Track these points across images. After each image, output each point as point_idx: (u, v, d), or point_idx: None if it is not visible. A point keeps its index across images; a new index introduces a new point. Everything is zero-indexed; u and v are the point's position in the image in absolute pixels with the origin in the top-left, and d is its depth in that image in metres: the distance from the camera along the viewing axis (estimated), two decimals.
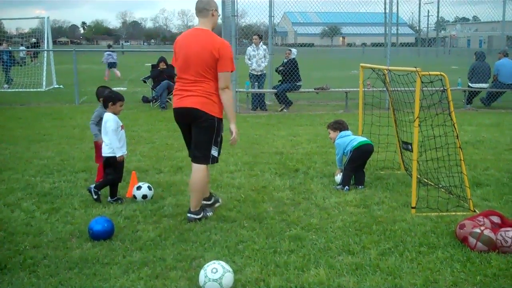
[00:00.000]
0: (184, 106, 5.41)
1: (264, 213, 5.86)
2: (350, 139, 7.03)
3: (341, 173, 6.98)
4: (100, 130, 6.50)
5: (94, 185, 6.25)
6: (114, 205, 6.11)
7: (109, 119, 6.15)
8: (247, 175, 7.51)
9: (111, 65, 25.66)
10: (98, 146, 6.71)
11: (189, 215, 5.59)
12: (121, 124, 6.29)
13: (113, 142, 6.12)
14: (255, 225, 5.48)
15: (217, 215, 5.74)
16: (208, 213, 5.72)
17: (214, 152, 5.53)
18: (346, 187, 6.76)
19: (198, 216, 5.57)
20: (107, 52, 26.17)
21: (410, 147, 6.29)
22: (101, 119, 6.68)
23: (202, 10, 5.52)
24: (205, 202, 5.83)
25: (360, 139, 7.04)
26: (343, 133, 7.13)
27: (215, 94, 5.41)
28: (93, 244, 4.94)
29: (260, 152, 9.04)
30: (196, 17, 5.56)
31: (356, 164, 6.89)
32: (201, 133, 5.45)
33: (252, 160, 8.40)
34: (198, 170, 5.51)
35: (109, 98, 6.30)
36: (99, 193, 6.20)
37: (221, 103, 5.46)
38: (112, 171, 6.23)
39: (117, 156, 6.15)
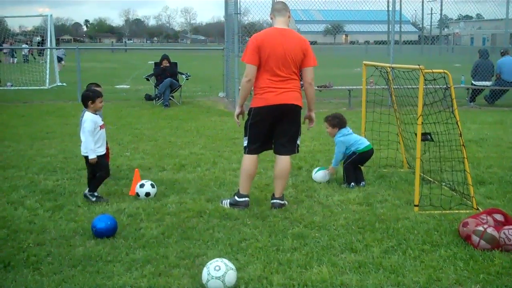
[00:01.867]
0: (285, 102, 5.74)
1: (267, 211, 5.87)
2: (355, 139, 7.00)
3: (330, 173, 7.03)
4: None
5: (87, 189, 6.24)
6: (117, 202, 6.11)
7: (87, 120, 6.12)
8: None
9: (60, 59, 27.38)
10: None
11: (274, 201, 5.98)
12: (101, 123, 6.27)
13: (88, 143, 6.10)
14: (258, 223, 5.48)
15: (220, 212, 5.74)
16: (286, 201, 6.10)
17: (299, 141, 6.07)
18: (352, 183, 6.78)
19: (283, 202, 6.00)
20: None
21: (429, 137, 6.29)
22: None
23: (281, 10, 5.88)
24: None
25: (365, 142, 7.02)
26: (345, 130, 7.07)
27: (300, 89, 5.93)
28: (96, 241, 4.95)
29: None
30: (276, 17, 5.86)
31: (356, 165, 6.91)
32: (294, 126, 5.92)
33: None
34: (286, 160, 5.97)
35: (88, 97, 6.22)
36: (96, 194, 6.18)
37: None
38: (97, 169, 6.21)
39: (89, 157, 6.11)
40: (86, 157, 6.18)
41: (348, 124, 7.26)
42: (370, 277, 4.25)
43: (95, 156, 6.14)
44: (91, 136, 6.10)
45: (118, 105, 14.44)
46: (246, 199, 5.97)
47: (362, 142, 7.00)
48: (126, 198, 6.31)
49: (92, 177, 6.24)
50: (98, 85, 7.04)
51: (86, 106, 6.22)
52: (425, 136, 6.53)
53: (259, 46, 5.67)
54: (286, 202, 6.08)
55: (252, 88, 5.89)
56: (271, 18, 5.94)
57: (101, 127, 6.24)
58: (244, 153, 6.04)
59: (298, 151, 6.15)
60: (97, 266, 4.43)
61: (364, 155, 6.95)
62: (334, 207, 6.01)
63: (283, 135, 5.92)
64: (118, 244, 4.90)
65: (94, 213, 5.67)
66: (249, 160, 5.97)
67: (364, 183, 6.89)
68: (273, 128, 5.92)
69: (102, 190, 6.47)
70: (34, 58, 28.50)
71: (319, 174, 7.07)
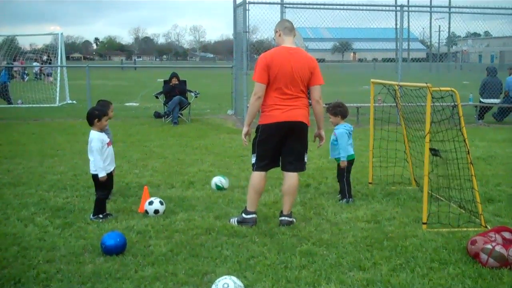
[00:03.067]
0: (292, 119, 5.79)
1: (275, 228, 5.88)
2: (349, 142, 7.06)
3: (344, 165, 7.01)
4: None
5: (91, 214, 6.26)
6: (126, 220, 6.15)
7: (94, 139, 6.16)
8: None
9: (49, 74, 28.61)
10: None
11: (282, 218, 6.02)
12: (108, 141, 6.31)
13: (96, 162, 6.14)
14: (266, 240, 5.50)
15: (228, 230, 5.76)
16: (294, 218, 6.12)
17: (306, 159, 6.12)
18: (351, 198, 6.89)
19: (291, 219, 6.03)
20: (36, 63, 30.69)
21: (438, 153, 6.29)
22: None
23: (291, 29, 6.00)
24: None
25: (351, 150, 7.10)
26: (348, 126, 7.10)
27: (308, 106, 6.01)
28: (105, 258, 4.97)
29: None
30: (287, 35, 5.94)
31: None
32: (301, 143, 5.98)
33: None
34: (294, 177, 6.02)
35: (93, 116, 6.23)
36: (101, 216, 6.19)
37: None
38: (100, 188, 6.25)
39: (99, 176, 6.14)
40: (95, 176, 6.23)
41: (356, 141, 7.30)
42: None
43: (105, 174, 6.19)
44: (100, 154, 6.15)
45: (128, 123, 14.53)
46: (254, 215, 5.98)
47: (351, 147, 7.08)
48: (135, 215, 6.35)
49: (102, 198, 6.29)
50: (109, 102, 7.08)
51: (91, 124, 6.25)
52: (435, 152, 6.51)
53: (268, 64, 5.73)
54: (295, 220, 6.09)
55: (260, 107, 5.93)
56: (278, 35, 5.98)
57: (108, 144, 6.29)
58: (253, 170, 6.06)
59: (305, 169, 6.19)
60: (107, 283, 4.45)
61: (351, 163, 7.07)
62: (342, 225, 6.02)
63: (290, 153, 5.96)
64: (127, 261, 4.93)
65: (103, 230, 5.70)
66: (257, 177, 5.99)
67: (352, 200, 7.01)
68: (280, 145, 5.95)
69: (111, 207, 6.52)
70: (40, 78, 28.75)
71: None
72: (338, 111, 7.12)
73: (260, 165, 5.99)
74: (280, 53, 5.83)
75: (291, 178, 6.01)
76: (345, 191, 6.93)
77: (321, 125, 6.21)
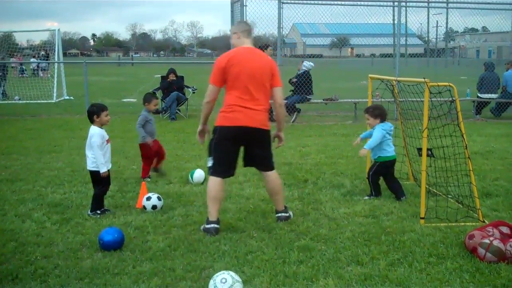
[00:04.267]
0: (252, 125, 5.57)
1: (273, 223, 5.88)
2: (388, 143, 6.87)
3: (363, 154, 6.89)
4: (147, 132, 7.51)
5: (89, 210, 6.25)
6: (124, 215, 6.15)
7: (95, 134, 6.13)
8: (256, 185, 7.53)
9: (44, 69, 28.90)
10: (143, 147, 7.72)
11: (278, 215, 5.94)
12: (107, 138, 6.30)
13: (97, 158, 6.11)
14: (264, 235, 5.50)
15: (226, 225, 5.76)
16: (290, 212, 6.07)
17: (273, 159, 5.94)
18: (378, 196, 6.87)
19: (288, 214, 5.98)
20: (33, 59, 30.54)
21: (430, 152, 6.28)
22: (146, 121, 7.60)
23: (249, 31, 5.89)
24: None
25: (393, 151, 6.93)
26: (387, 126, 6.89)
27: (269, 109, 5.81)
28: (103, 254, 4.97)
29: None
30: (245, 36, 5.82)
31: (380, 175, 6.94)
32: (264, 150, 5.79)
33: None
34: (275, 176, 5.89)
35: (93, 113, 6.22)
36: (98, 211, 6.18)
37: None
38: (98, 184, 6.23)
39: (101, 172, 6.12)
40: (92, 172, 6.22)
41: (354, 137, 7.29)
42: None
43: (106, 170, 6.18)
44: (100, 150, 6.13)
45: (125, 119, 14.50)
46: (213, 225, 5.55)
47: (392, 148, 6.92)
48: (133, 211, 6.34)
49: (100, 193, 6.29)
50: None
51: (92, 121, 6.24)
52: (427, 152, 6.54)
53: (225, 66, 5.53)
54: (291, 213, 6.05)
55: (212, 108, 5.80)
56: (237, 37, 5.78)
57: (107, 141, 6.27)
58: (209, 174, 5.75)
59: (273, 168, 5.91)
60: (104, 279, 4.45)
61: (388, 164, 6.92)
62: (340, 220, 6.02)
63: (253, 159, 5.83)
64: (125, 256, 4.92)
65: (101, 226, 5.70)
66: (213, 184, 5.63)
67: (405, 197, 6.83)
68: (238, 151, 5.73)
69: (109, 203, 6.52)
70: (37, 75, 28.67)
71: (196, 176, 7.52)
72: (378, 113, 6.91)
73: (217, 170, 5.66)
74: (240, 52, 5.67)
75: (271, 177, 5.86)
76: (374, 189, 6.88)
77: (281, 126, 5.96)
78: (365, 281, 4.42)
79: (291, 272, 4.57)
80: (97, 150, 6.10)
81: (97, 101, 16.25)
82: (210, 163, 5.71)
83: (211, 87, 5.63)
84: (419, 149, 6.62)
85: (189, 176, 7.68)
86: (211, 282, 4.12)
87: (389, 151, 6.87)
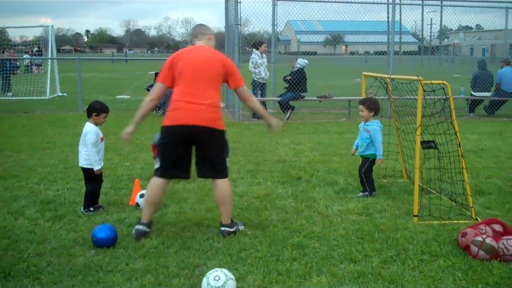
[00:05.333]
0: (197, 124, 5.22)
1: (266, 221, 5.88)
2: (379, 140, 6.85)
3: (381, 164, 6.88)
4: None
5: (82, 207, 6.23)
6: (117, 212, 6.14)
7: (90, 132, 6.10)
8: (250, 183, 7.54)
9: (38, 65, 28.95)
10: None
11: (222, 228, 5.42)
12: (102, 136, 6.27)
13: (91, 155, 6.08)
14: (257, 233, 5.49)
15: (219, 222, 5.74)
16: (240, 227, 5.56)
17: (228, 163, 5.59)
18: (374, 192, 6.83)
19: (233, 229, 5.43)
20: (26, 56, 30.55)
21: (433, 144, 6.26)
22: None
23: (198, 34, 5.64)
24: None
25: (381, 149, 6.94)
26: (380, 123, 6.90)
27: (220, 107, 5.47)
28: (96, 251, 4.96)
29: (263, 160, 9.06)
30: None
31: (371, 171, 6.92)
32: (216, 150, 5.40)
33: (254, 168, 8.42)
34: (224, 184, 5.43)
35: (94, 109, 6.20)
36: (91, 208, 6.17)
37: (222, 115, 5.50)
38: (91, 181, 6.21)
39: (95, 169, 6.10)
40: (84, 169, 6.20)
41: (348, 135, 7.30)
42: (369, 287, 4.26)
43: (101, 167, 6.17)
44: (94, 147, 6.11)
45: (119, 115, 14.45)
46: (142, 227, 5.33)
47: (381, 146, 6.90)
48: (126, 208, 6.33)
49: (92, 191, 6.27)
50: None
51: (89, 116, 6.21)
52: (429, 144, 6.49)
53: (172, 63, 5.39)
54: (238, 228, 5.52)
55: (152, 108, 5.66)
56: (195, 41, 5.66)
57: (101, 139, 6.25)
58: (154, 175, 5.52)
59: (226, 175, 5.50)
60: (97, 276, 4.44)
61: (374, 162, 6.93)
62: (333, 217, 6.03)
63: (202, 161, 5.42)
64: (118, 254, 4.91)
65: (94, 223, 5.69)
66: (154, 185, 5.40)
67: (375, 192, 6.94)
68: (187, 152, 5.38)
69: (102, 200, 6.49)
70: (31, 71, 28.61)
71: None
72: (374, 107, 6.88)
73: (162, 172, 5.39)
74: (187, 49, 5.55)
75: (219, 186, 5.42)
76: (366, 185, 6.84)
77: (264, 114, 5.78)
78: (358, 278, 4.42)
79: (284, 269, 4.57)
80: (91, 147, 6.07)
81: (90, 98, 16.23)
82: (157, 164, 5.47)
83: (157, 85, 5.50)
84: (425, 143, 6.49)
85: None
86: (204, 279, 4.12)
87: (381, 147, 6.89)
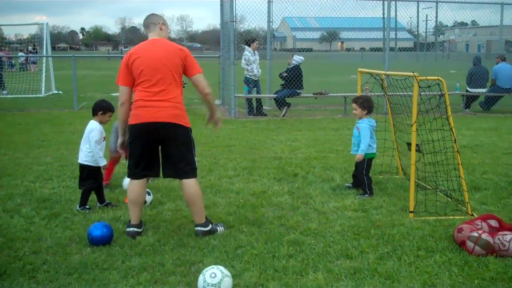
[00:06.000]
0: (159, 120, 5.10)
1: (262, 218, 5.88)
2: (374, 139, 6.85)
3: (360, 159, 6.78)
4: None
5: (78, 205, 6.21)
6: (113, 210, 6.13)
7: (95, 129, 6.11)
8: (246, 180, 7.53)
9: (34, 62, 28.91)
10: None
11: (197, 228, 5.35)
12: (104, 135, 6.27)
13: (95, 152, 6.09)
14: (254, 230, 5.49)
15: (216, 220, 5.74)
16: (219, 228, 5.45)
17: (196, 163, 5.43)
18: (371, 194, 6.73)
19: (207, 229, 5.34)
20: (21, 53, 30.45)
21: (417, 147, 6.29)
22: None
23: (149, 25, 5.44)
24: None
25: (374, 147, 6.92)
26: (372, 121, 6.86)
27: (183, 103, 5.29)
28: (92, 249, 4.95)
29: (259, 157, 9.05)
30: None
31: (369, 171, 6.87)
32: (181, 147, 5.24)
33: (251, 165, 8.41)
34: (190, 184, 5.28)
35: (100, 108, 6.24)
36: (87, 206, 6.17)
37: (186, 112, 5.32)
38: (88, 179, 6.20)
39: (101, 165, 6.14)
40: (83, 166, 6.18)
41: (344, 131, 7.29)
42: (366, 284, 4.27)
43: (106, 163, 6.20)
44: (98, 145, 6.11)
45: (115, 113, 14.42)
46: (133, 229, 5.31)
47: (375, 146, 6.90)
48: (122, 205, 6.31)
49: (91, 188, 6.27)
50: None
51: (94, 114, 6.24)
52: (416, 147, 6.55)
53: (127, 63, 5.22)
54: (219, 228, 5.44)
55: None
56: (147, 33, 5.48)
57: (103, 138, 6.25)
58: (127, 176, 5.50)
59: (195, 175, 5.36)
60: (93, 274, 4.43)
61: (371, 161, 6.92)
62: (329, 214, 6.03)
63: (167, 159, 5.30)
64: (114, 251, 4.90)
65: (90, 221, 5.67)
66: (132, 186, 5.33)
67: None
68: (155, 150, 5.30)
69: (96, 197, 6.47)
70: (26, 69, 28.48)
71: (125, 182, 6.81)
72: (367, 105, 6.83)
73: (133, 172, 5.31)
74: (141, 46, 5.34)
75: (186, 186, 5.28)
76: (366, 187, 6.74)
77: (213, 112, 5.61)
78: (354, 274, 4.43)
79: (280, 266, 4.57)
80: (95, 145, 6.08)
81: (86, 96, 16.20)
82: (127, 164, 5.43)
83: (119, 88, 5.31)
84: (409, 144, 6.65)
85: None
86: (201, 277, 4.11)
87: (374, 147, 6.89)
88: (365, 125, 6.79)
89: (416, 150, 6.55)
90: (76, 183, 7.13)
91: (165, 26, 5.50)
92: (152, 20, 5.46)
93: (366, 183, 6.75)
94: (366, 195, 6.69)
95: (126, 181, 6.74)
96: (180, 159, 5.26)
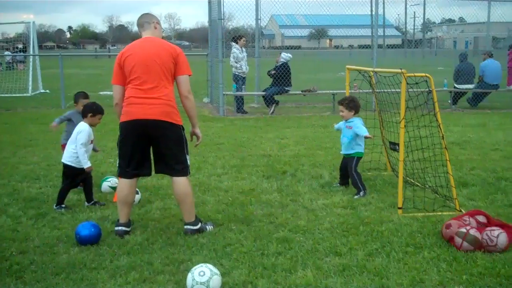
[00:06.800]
0: (149, 118, 5.07)
1: (251, 215, 5.87)
2: (362, 138, 6.81)
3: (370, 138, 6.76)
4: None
5: (55, 205, 6.17)
6: (101, 209, 6.10)
7: (83, 131, 6.06)
8: (235, 178, 7.52)
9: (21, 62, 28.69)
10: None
11: (186, 227, 5.32)
12: (93, 138, 6.24)
13: (80, 155, 6.04)
14: (242, 227, 5.48)
15: (204, 218, 5.73)
16: (208, 226, 5.43)
17: (189, 161, 5.38)
18: (365, 190, 6.68)
19: (196, 227, 5.31)
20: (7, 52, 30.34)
21: (397, 147, 6.32)
22: (68, 120, 6.82)
23: (143, 24, 5.42)
24: None
25: (363, 147, 6.91)
26: (361, 121, 6.82)
27: (174, 100, 5.22)
28: (80, 249, 4.92)
29: (248, 155, 9.04)
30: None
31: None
32: (172, 146, 5.20)
33: (239, 163, 8.40)
34: (182, 183, 5.25)
35: (90, 109, 6.20)
36: (63, 205, 6.14)
37: (178, 110, 5.25)
38: (68, 178, 6.20)
39: (85, 167, 6.08)
40: (65, 165, 6.16)
41: (333, 128, 7.30)
42: (355, 280, 4.27)
43: (90, 165, 6.14)
44: (84, 147, 6.07)
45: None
46: (121, 228, 5.27)
47: (363, 145, 6.87)
48: (110, 204, 6.28)
49: (71, 186, 6.27)
50: (86, 95, 7.01)
51: (84, 116, 6.19)
52: (394, 146, 6.61)
53: (120, 61, 5.22)
54: (208, 227, 5.42)
55: None
56: (141, 32, 5.46)
57: (91, 141, 6.21)
58: (117, 175, 5.52)
59: (187, 173, 5.33)
60: (81, 274, 4.40)
61: (359, 160, 6.90)
62: (318, 211, 6.03)
63: (159, 157, 5.28)
64: (102, 251, 4.87)
65: (77, 220, 5.64)
66: (121, 185, 5.34)
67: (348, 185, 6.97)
68: (145, 148, 5.27)
69: (85, 197, 6.44)
70: (12, 68, 28.27)
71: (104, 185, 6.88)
72: (353, 105, 6.81)
73: (123, 171, 5.29)
74: (134, 44, 5.32)
75: (176, 184, 5.26)
76: (358, 183, 6.68)
77: (193, 121, 5.45)
78: (343, 271, 4.43)
79: (269, 264, 4.57)
80: (82, 147, 6.03)
81: (73, 95, 16.04)
82: (117, 162, 5.38)
83: (113, 88, 5.33)
84: (391, 143, 6.70)
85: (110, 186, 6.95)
86: (189, 275, 4.09)
87: (363, 146, 6.88)
88: (356, 120, 6.77)
89: (392, 148, 6.60)
90: None
91: (159, 25, 5.50)
92: (147, 19, 5.46)
93: (356, 180, 6.72)
94: (362, 193, 6.62)
95: (105, 185, 6.80)
96: (171, 157, 5.22)
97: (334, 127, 7.18)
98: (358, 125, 6.73)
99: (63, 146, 6.78)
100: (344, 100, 6.90)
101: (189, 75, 5.28)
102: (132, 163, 5.24)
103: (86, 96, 7.01)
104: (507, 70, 16.99)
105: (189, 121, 5.44)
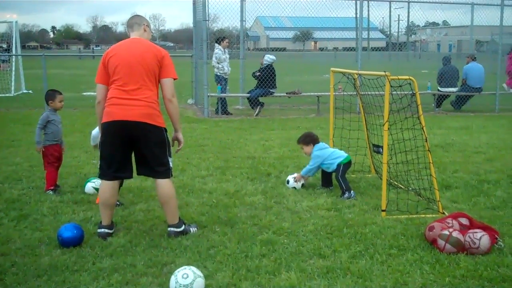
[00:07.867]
0: (131, 119, 5.01)
1: (235, 217, 5.86)
2: (331, 152, 6.99)
3: (300, 180, 7.03)
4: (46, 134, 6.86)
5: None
6: (84, 211, 6.05)
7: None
8: (219, 180, 7.50)
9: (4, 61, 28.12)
10: (45, 153, 6.87)
11: (169, 229, 5.28)
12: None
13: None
14: (226, 229, 5.46)
15: (188, 220, 5.70)
16: (192, 229, 5.40)
17: (171, 163, 5.34)
18: (352, 192, 6.70)
19: (180, 229, 5.28)
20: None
21: (381, 150, 6.35)
22: (48, 122, 6.83)
23: (133, 25, 5.40)
24: None
25: (344, 154, 6.99)
26: (322, 145, 7.08)
27: (157, 103, 5.18)
28: (62, 251, 4.87)
29: (232, 157, 9.03)
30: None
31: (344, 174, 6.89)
32: (154, 148, 5.15)
33: (224, 165, 8.38)
34: (164, 185, 5.22)
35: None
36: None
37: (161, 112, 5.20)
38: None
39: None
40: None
41: (317, 130, 7.32)
42: (338, 282, 4.27)
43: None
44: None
45: (86, 112, 14.29)
46: (104, 230, 5.23)
47: (340, 154, 6.96)
48: (93, 206, 6.23)
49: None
50: (56, 91, 7.01)
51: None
52: (377, 149, 6.65)
53: (104, 61, 5.19)
54: (192, 229, 5.39)
55: None
56: (129, 33, 5.46)
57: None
58: (98, 177, 5.46)
59: (169, 175, 5.28)
60: (63, 276, 4.36)
61: (347, 165, 6.93)
62: (302, 213, 6.03)
63: (140, 159, 5.25)
64: (84, 253, 4.83)
65: (60, 222, 5.58)
66: (103, 188, 5.25)
67: (332, 187, 7.00)
68: (127, 150, 5.22)
69: (68, 198, 6.40)
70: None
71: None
72: (309, 140, 7.09)
73: (104, 173, 5.23)
74: (120, 44, 5.30)
75: (159, 185, 5.22)
76: (344, 187, 6.70)
77: (176, 126, 5.39)
78: (327, 274, 4.43)
79: (253, 266, 4.56)
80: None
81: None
82: (99, 164, 5.32)
83: (97, 87, 5.27)
84: (375, 145, 6.75)
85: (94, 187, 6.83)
86: (173, 277, 4.07)
87: (343, 155, 6.95)
88: (314, 153, 7.04)
89: (375, 151, 6.64)
90: (45, 184, 7.03)
91: (149, 28, 5.48)
92: (137, 21, 5.44)
93: (343, 184, 6.73)
94: (350, 193, 6.64)
95: (89, 186, 6.73)
96: (153, 159, 5.18)
97: (305, 176, 7.16)
98: (312, 162, 7.04)
99: (46, 148, 6.76)
100: (300, 139, 7.22)
101: (174, 79, 5.23)
102: (113, 165, 5.19)
103: (56, 91, 7.05)
104: (507, 74, 17.09)
105: (172, 125, 5.40)
